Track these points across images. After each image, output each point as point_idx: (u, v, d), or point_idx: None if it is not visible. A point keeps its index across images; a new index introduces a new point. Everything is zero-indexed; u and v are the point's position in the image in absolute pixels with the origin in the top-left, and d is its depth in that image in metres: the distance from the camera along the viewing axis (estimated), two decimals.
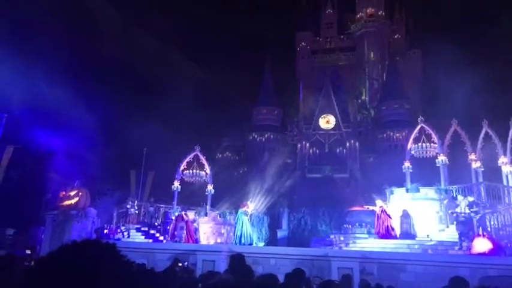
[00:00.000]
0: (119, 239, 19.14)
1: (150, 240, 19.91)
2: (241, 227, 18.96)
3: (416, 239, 17.60)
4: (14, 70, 21.79)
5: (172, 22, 47.06)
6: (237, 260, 4.71)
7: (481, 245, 14.59)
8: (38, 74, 24.52)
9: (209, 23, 52.77)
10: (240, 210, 19.66)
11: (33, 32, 29.00)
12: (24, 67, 22.90)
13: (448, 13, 48.22)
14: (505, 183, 19.87)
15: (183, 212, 20.05)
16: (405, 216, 18.52)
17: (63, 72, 27.36)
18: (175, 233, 19.24)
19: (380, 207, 18.86)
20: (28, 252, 16.90)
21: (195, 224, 20.04)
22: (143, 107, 38.19)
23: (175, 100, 36.94)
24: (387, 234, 18.14)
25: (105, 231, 19.73)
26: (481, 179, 19.99)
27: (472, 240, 15.00)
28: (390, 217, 18.51)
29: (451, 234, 17.12)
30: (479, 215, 15.87)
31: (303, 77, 51.73)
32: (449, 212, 17.32)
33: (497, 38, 39.95)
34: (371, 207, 19.73)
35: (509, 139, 20.24)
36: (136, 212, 22.07)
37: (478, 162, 20.37)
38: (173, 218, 20.66)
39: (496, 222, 16.30)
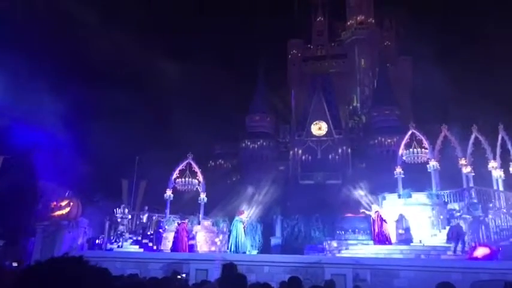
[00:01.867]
0: (111, 249, 18.93)
1: (142, 250, 19.71)
2: (236, 235, 18.79)
3: (411, 244, 17.66)
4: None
5: (163, 28, 47.15)
6: (229, 269, 4.69)
7: (482, 250, 14.63)
8: (23, 81, 24.27)
9: (200, 31, 52.94)
10: (236, 218, 19.41)
11: (14, 33, 28.44)
12: (11, 74, 22.65)
13: (437, 20, 48.94)
14: (495, 187, 20.09)
15: (176, 222, 19.87)
16: (400, 221, 18.55)
17: (51, 77, 27.06)
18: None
19: (376, 212, 18.83)
20: (15, 264, 16.54)
21: (193, 232, 19.86)
22: (134, 115, 38.03)
23: (166, 107, 36.88)
24: (383, 239, 18.13)
25: (97, 241, 19.53)
26: (471, 184, 20.17)
27: (469, 245, 15.11)
28: (386, 222, 18.51)
29: (443, 239, 17.22)
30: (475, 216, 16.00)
31: (294, 84, 51.97)
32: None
33: (488, 44, 40.54)
34: (367, 212, 19.73)
35: (498, 144, 20.50)
36: (129, 220, 21.86)
37: (469, 167, 20.57)
38: (166, 227, 20.53)
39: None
